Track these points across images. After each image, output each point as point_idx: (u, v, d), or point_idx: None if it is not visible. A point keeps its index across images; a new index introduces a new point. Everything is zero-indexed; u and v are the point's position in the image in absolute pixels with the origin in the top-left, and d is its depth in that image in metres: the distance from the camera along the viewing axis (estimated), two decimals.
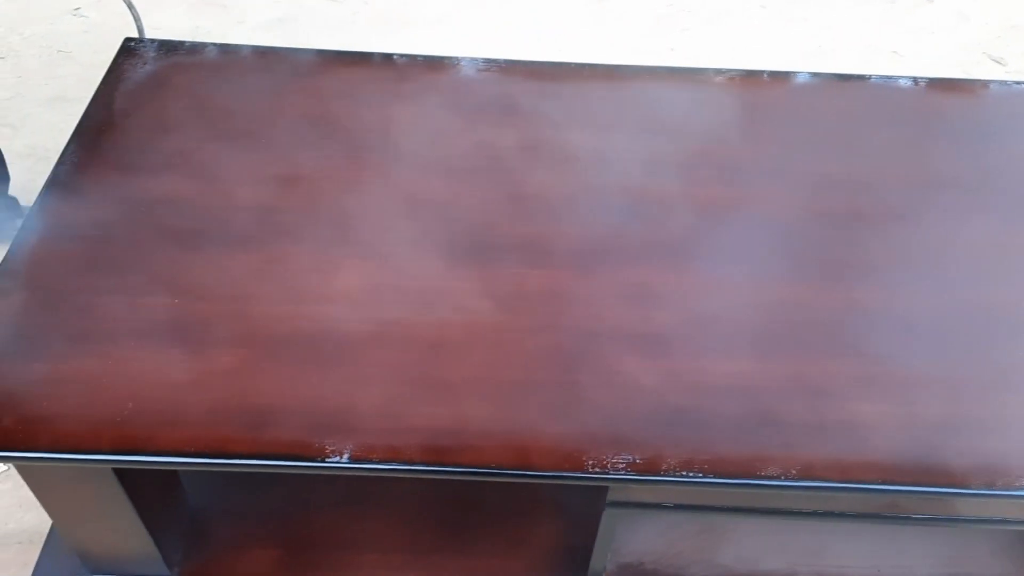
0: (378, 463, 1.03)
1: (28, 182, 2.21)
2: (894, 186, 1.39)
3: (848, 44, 2.81)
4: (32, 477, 1.19)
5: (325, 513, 1.43)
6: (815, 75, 1.59)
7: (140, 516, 1.24)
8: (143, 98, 1.45)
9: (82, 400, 1.07)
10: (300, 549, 1.40)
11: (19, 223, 2.06)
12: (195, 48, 1.56)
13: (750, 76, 1.56)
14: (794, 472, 1.05)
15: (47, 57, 2.64)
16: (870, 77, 1.59)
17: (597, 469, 1.04)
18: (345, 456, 1.03)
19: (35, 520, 1.67)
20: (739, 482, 1.05)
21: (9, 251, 1.22)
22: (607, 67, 1.57)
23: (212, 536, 1.42)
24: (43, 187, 1.31)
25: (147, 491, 1.26)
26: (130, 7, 1.84)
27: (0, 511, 1.70)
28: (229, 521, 1.43)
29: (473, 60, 1.56)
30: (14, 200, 2.11)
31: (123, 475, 1.17)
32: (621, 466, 1.05)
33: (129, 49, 1.54)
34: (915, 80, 1.58)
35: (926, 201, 1.37)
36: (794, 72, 1.59)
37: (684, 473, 1.05)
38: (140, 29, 1.85)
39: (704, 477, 1.05)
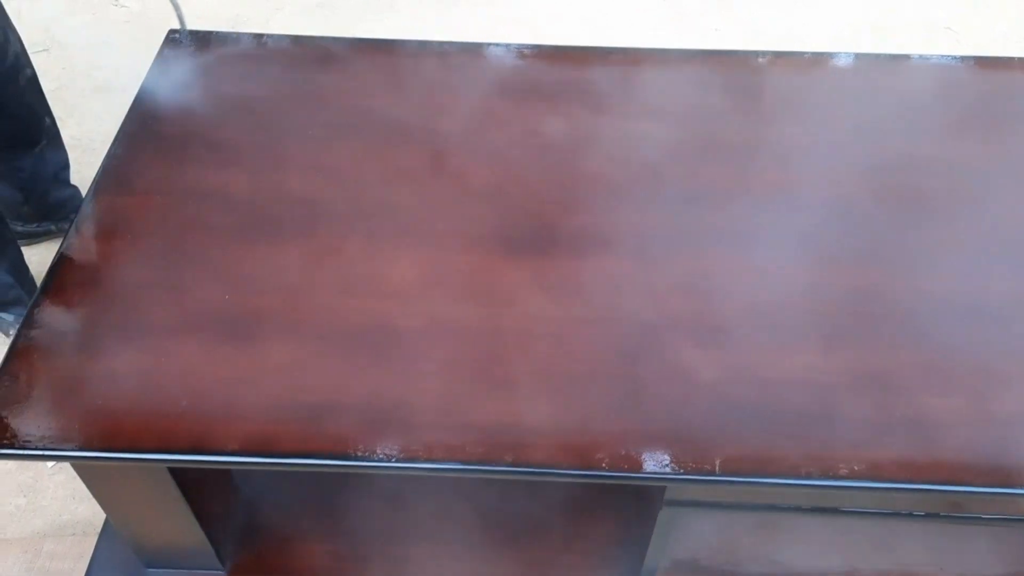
0: (434, 462, 1.01)
1: (75, 173, 2.22)
2: (957, 168, 1.34)
3: (900, 19, 2.73)
4: (86, 473, 1.19)
5: (378, 506, 1.42)
6: (864, 55, 1.54)
7: (193, 511, 1.24)
8: (188, 90, 1.44)
9: (136, 397, 1.06)
10: (353, 542, 1.40)
11: None
12: (238, 39, 1.55)
13: (799, 57, 1.52)
14: (860, 471, 1.01)
15: (90, 48, 2.66)
16: (920, 56, 1.53)
17: (656, 469, 1.02)
18: (401, 455, 1.02)
19: (89, 512, 1.69)
20: (803, 483, 1.01)
21: (62, 246, 1.22)
22: (654, 51, 1.53)
23: (264, 529, 1.42)
24: (93, 181, 1.30)
25: (200, 486, 1.26)
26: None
27: (55, 503, 1.72)
28: (281, 514, 1.43)
29: (519, 46, 1.53)
30: (76, 189, 2.12)
31: (176, 471, 1.17)
32: (681, 466, 1.02)
33: (173, 41, 1.53)
34: (967, 59, 1.52)
35: (992, 183, 1.32)
36: (840, 53, 1.53)
37: (745, 474, 1.01)
38: (181, 19, 1.84)
39: (766, 478, 1.02)
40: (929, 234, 1.24)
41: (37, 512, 1.71)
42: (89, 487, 1.22)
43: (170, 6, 1.78)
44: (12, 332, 1.91)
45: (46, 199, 2.05)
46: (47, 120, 1.97)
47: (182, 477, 1.19)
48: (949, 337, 1.12)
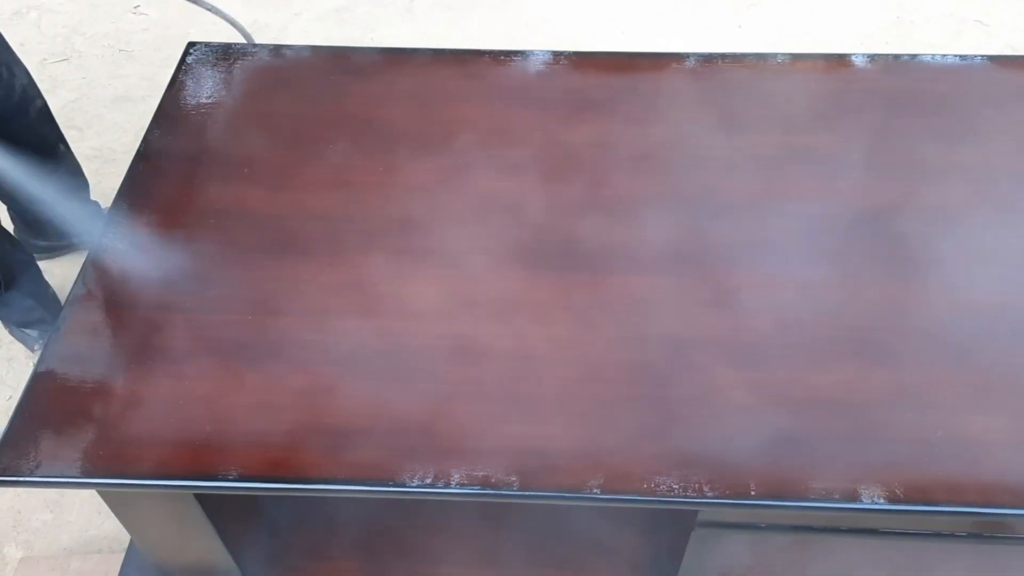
0: (461, 488, 0.99)
1: (96, 184, 2.22)
2: (995, 175, 1.30)
3: (929, 13, 2.67)
4: (111, 498, 1.19)
5: (405, 526, 1.41)
6: (893, 56, 1.50)
7: (219, 533, 1.23)
8: (208, 104, 1.42)
9: (160, 424, 1.05)
10: (379, 562, 1.38)
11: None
12: (258, 50, 1.53)
13: (824, 59, 1.48)
14: (899, 494, 0.99)
15: (110, 57, 2.65)
16: (951, 56, 1.49)
17: (689, 493, 0.99)
18: (427, 480, 1.00)
19: (115, 527, 1.68)
20: (840, 506, 0.99)
21: (82, 269, 1.20)
22: (678, 55, 1.50)
23: (290, 550, 1.41)
24: (113, 199, 1.29)
25: (226, 508, 1.25)
26: (233, 23, 1.81)
27: (80, 518, 1.72)
28: (307, 534, 1.42)
29: (541, 53, 1.50)
30: (97, 205, 2.12)
31: (201, 495, 1.16)
32: (714, 488, 0.99)
33: (193, 53, 1.52)
34: (1000, 58, 1.48)
35: None
36: (868, 54, 1.49)
37: (781, 496, 0.99)
38: (246, 36, 1.82)
39: (802, 500, 0.99)
40: (967, 246, 1.21)
41: (63, 528, 1.71)
42: (114, 511, 1.21)
43: (231, 26, 1.77)
44: (37, 348, 1.92)
45: (66, 217, 2.04)
46: (61, 147, 1.96)
47: (207, 499, 1.18)
48: (990, 353, 1.09)
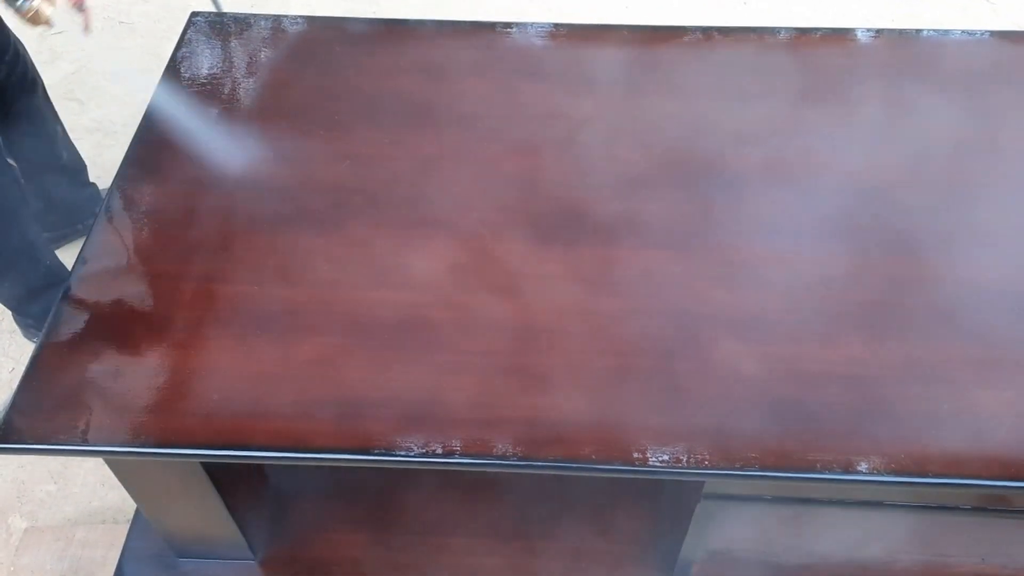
0: (469, 457, 1.00)
1: (96, 156, 2.21)
2: (1001, 151, 1.30)
3: None
4: (117, 467, 1.19)
5: (410, 497, 1.41)
6: (899, 31, 1.50)
7: (225, 503, 1.23)
8: (211, 76, 1.41)
9: (167, 392, 1.05)
10: (384, 532, 1.39)
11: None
12: (261, 22, 1.52)
13: (830, 33, 1.48)
14: (906, 467, 0.99)
15: (110, 29, 2.64)
16: (957, 31, 1.48)
17: (695, 464, 0.99)
18: (434, 450, 1.00)
19: (119, 498, 1.69)
20: (846, 478, 0.99)
21: (88, 238, 1.20)
22: (683, 28, 1.49)
23: (296, 519, 1.41)
24: (117, 172, 1.28)
25: (231, 477, 1.25)
26: None
27: (84, 489, 1.72)
28: (313, 504, 1.42)
29: (543, 25, 1.50)
30: (95, 187, 2.10)
31: (208, 464, 1.16)
32: (720, 460, 0.99)
33: (195, 24, 1.51)
34: (1007, 33, 1.48)
35: None
36: (874, 28, 1.49)
37: (786, 469, 0.99)
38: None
39: (808, 473, 0.99)
40: (974, 220, 1.20)
41: (68, 499, 1.72)
42: (121, 480, 1.21)
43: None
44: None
45: (67, 202, 2.03)
46: (59, 128, 1.94)
47: (214, 469, 1.18)
48: (997, 328, 1.09)
